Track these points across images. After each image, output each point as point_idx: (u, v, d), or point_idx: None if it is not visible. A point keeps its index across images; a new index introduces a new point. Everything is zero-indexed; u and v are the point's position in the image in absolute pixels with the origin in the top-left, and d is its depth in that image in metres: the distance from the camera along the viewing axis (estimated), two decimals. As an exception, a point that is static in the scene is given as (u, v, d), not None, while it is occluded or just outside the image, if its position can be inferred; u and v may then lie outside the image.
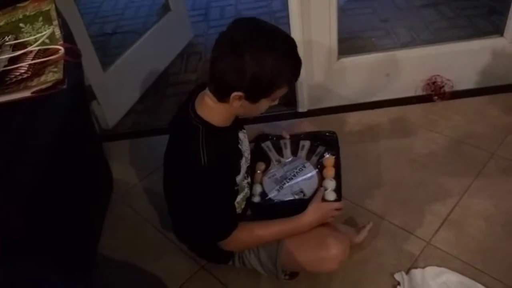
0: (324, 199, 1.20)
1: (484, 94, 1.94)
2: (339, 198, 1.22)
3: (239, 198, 1.23)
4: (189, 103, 1.14)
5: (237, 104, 1.05)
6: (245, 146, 1.28)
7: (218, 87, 1.05)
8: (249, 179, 1.30)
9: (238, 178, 1.20)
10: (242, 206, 1.26)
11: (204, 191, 1.10)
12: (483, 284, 1.23)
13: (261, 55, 0.99)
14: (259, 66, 0.98)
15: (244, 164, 1.24)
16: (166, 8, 2.50)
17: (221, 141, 1.11)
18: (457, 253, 1.34)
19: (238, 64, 0.99)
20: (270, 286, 1.32)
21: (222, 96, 1.06)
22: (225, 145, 1.14)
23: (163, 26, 2.42)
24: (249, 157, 1.30)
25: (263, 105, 1.09)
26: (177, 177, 1.18)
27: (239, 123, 1.24)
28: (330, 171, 1.28)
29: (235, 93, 1.02)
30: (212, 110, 1.10)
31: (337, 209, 1.21)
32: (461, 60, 1.90)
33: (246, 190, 1.27)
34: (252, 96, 1.05)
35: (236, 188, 1.19)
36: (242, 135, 1.27)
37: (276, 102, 1.13)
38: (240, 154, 1.23)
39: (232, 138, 1.22)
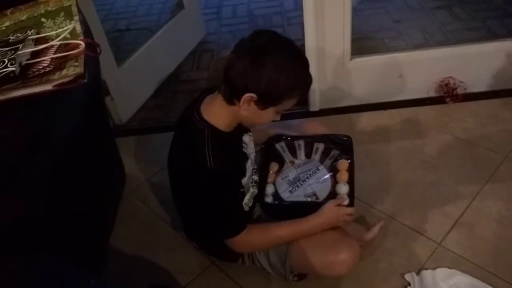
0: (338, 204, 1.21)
1: (497, 97, 1.93)
2: (351, 203, 1.22)
3: (247, 198, 1.24)
4: (195, 106, 1.15)
5: (246, 107, 1.05)
6: (251, 149, 1.28)
7: (231, 88, 1.05)
8: (256, 177, 1.30)
9: (244, 180, 1.20)
10: (250, 204, 1.26)
11: (211, 194, 1.11)
12: (494, 287, 1.23)
13: (282, 62, 1.00)
14: (278, 71, 1.00)
15: (250, 166, 1.25)
16: (179, 6, 2.51)
17: (226, 145, 1.11)
18: (468, 255, 1.34)
19: (258, 66, 1.00)
20: (280, 283, 1.32)
21: (233, 97, 1.06)
22: (230, 148, 1.15)
23: (176, 24, 2.43)
24: (254, 159, 1.30)
25: (269, 114, 1.10)
26: (183, 179, 1.19)
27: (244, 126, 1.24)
28: (343, 176, 1.28)
29: (247, 94, 1.02)
30: (218, 113, 1.11)
31: (349, 214, 1.22)
32: (474, 62, 1.89)
33: (252, 189, 1.28)
34: (263, 101, 1.05)
35: (242, 190, 1.20)
36: (247, 138, 1.27)
37: (278, 118, 1.14)
38: (245, 157, 1.24)
39: (236, 142, 1.22)
